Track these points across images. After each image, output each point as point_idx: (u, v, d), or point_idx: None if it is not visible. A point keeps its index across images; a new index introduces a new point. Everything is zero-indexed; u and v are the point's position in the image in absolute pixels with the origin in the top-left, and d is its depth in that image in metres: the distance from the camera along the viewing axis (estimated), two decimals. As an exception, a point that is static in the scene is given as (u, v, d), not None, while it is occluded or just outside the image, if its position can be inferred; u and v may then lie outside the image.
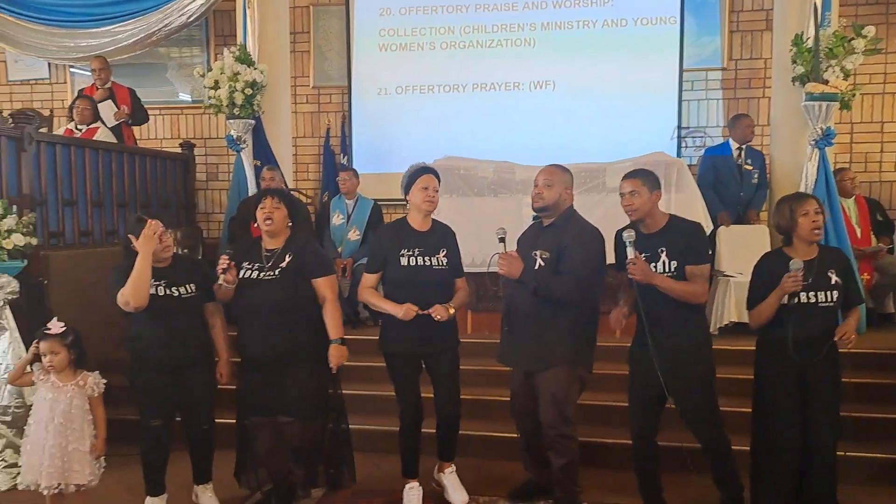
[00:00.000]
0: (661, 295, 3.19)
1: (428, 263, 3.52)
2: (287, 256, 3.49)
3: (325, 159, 7.22)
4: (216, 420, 3.73)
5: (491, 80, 7.00)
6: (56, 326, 3.32)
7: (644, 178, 3.27)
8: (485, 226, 4.49)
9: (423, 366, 3.66)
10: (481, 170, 5.41)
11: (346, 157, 7.13)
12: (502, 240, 3.36)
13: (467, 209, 4.96)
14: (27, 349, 4.19)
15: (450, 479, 3.74)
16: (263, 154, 6.38)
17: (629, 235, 3.22)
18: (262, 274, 3.47)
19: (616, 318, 3.41)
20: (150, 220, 3.46)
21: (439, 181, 3.63)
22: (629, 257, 3.19)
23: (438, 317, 3.44)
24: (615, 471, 3.97)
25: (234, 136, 6.26)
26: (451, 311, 3.50)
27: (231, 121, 6.24)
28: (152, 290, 3.40)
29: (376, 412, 4.46)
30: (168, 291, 3.47)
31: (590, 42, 6.82)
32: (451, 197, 5.14)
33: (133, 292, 3.30)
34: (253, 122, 6.30)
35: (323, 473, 3.71)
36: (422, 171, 3.60)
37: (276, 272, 3.45)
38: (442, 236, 3.63)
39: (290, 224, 3.57)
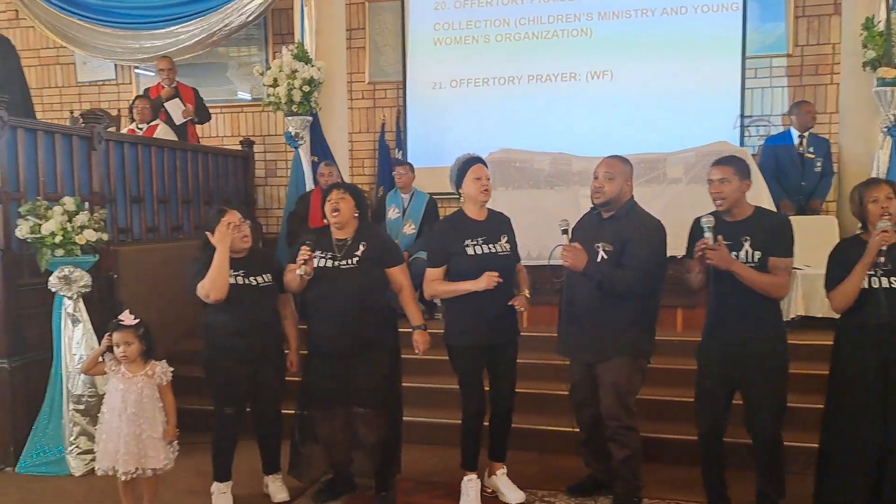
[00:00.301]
0: (737, 286, 3.09)
1: (493, 251, 3.53)
2: (361, 246, 3.53)
3: (380, 154, 7.28)
4: (283, 411, 3.81)
5: (547, 72, 6.93)
6: (128, 318, 3.43)
7: (736, 165, 3.16)
8: (541, 218, 4.49)
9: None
10: (537, 162, 5.38)
11: (401, 152, 7.17)
12: (565, 231, 3.33)
13: (524, 201, 4.93)
14: (99, 340, 4.36)
15: (502, 480, 3.72)
16: (321, 150, 6.48)
17: (708, 221, 3.12)
18: (336, 263, 3.51)
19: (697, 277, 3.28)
20: (228, 211, 3.58)
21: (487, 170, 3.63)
22: (708, 243, 3.07)
23: (522, 308, 3.49)
24: (675, 467, 3.91)
25: (293, 133, 6.37)
26: (528, 295, 3.52)
27: (289, 118, 6.35)
28: (231, 280, 3.49)
29: (431, 405, 4.48)
30: (246, 281, 3.56)
31: (649, 31, 6.68)
32: (506, 189, 5.13)
33: (212, 285, 3.41)
34: (310, 118, 6.40)
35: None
36: (471, 161, 3.60)
37: (353, 261, 3.50)
38: (499, 223, 3.64)
39: (357, 215, 3.61)
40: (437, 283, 3.58)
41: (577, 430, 3.69)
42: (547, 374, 4.55)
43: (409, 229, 5.79)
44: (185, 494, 3.83)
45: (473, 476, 3.65)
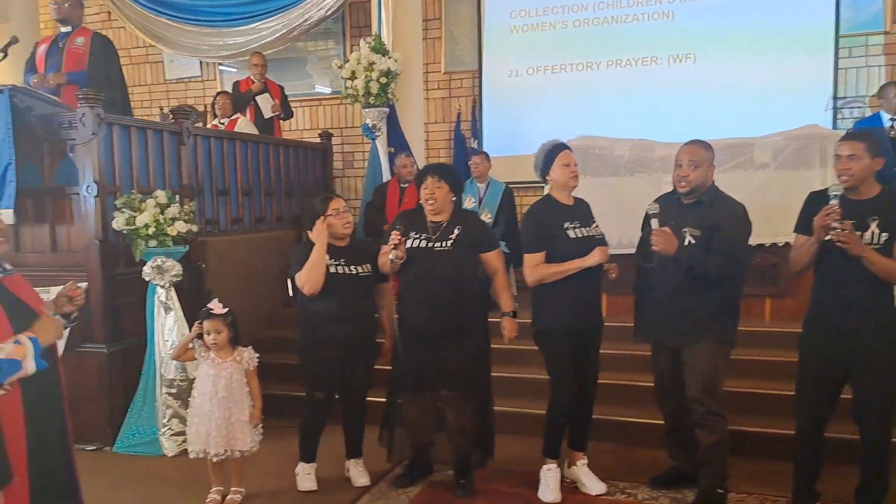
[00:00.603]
0: (854, 269, 2.91)
1: (591, 234, 3.51)
2: (455, 229, 3.55)
3: (455, 144, 7.29)
4: (368, 398, 3.89)
5: (627, 56, 6.79)
6: (218, 307, 3.58)
7: (867, 141, 3.00)
8: (622, 206, 4.40)
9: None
10: (617, 149, 5.27)
11: (476, 141, 7.16)
12: (655, 215, 3.27)
13: (604, 190, 4.84)
14: (189, 327, 4.55)
15: (583, 471, 3.68)
16: (397, 141, 6.53)
17: (836, 188, 2.94)
18: (431, 244, 3.54)
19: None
20: (334, 197, 3.68)
21: None
22: (835, 209, 2.89)
23: (613, 275, 3.46)
24: (760, 461, 3.79)
25: (370, 125, 6.44)
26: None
27: (366, 109, 6.42)
28: (332, 269, 3.58)
29: (511, 394, 4.47)
30: (346, 270, 3.63)
31: (735, 11, 6.45)
32: (585, 177, 4.98)
33: (307, 278, 3.53)
34: (387, 109, 6.45)
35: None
36: (558, 147, 3.56)
37: (448, 244, 3.52)
38: (587, 208, 3.63)
39: (454, 199, 3.63)
40: (541, 268, 3.48)
41: (658, 421, 3.62)
42: (626, 364, 4.49)
43: (486, 218, 5.76)
44: (269, 475, 3.95)
45: (553, 465, 3.62)
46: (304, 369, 3.75)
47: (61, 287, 2.45)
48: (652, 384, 3.64)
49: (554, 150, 3.54)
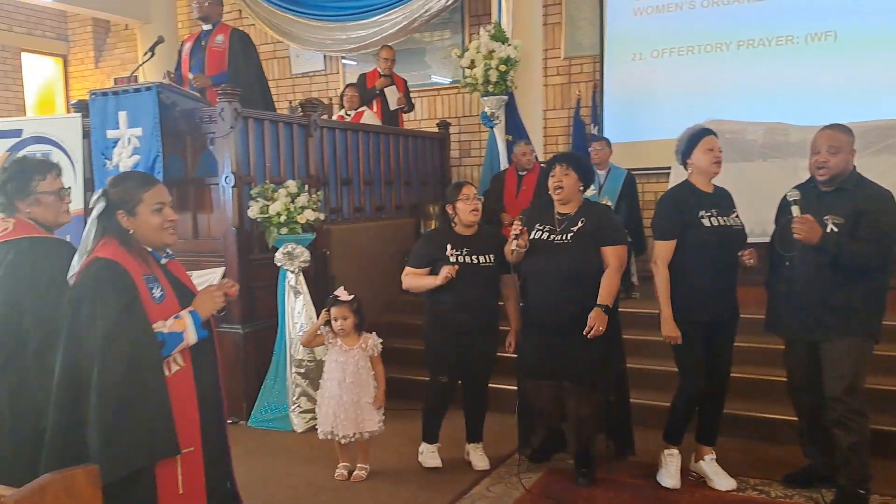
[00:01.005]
0: None
1: (728, 224, 3.40)
2: (580, 221, 3.52)
3: (575, 130, 7.20)
4: (491, 385, 3.95)
5: (759, 36, 6.45)
6: (344, 294, 3.74)
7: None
8: (755, 193, 4.20)
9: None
10: (750, 133, 5.04)
11: (596, 128, 7.03)
12: (796, 202, 3.11)
13: (735, 176, 4.60)
14: (316, 311, 4.76)
15: (711, 466, 3.56)
16: (515, 128, 6.51)
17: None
18: (553, 237, 3.53)
19: None
20: (466, 184, 3.77)
21: None
22: None
23: (751, 261, 3.34)
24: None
25: (488, 113, 6.45)
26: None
27: (485, 98, 6.44)
28: (455, 259, 3.66)
29: (641, 387, 4.39)
30: (470, 259, 3.70)
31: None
32: (714, 163, 4.85)
33: (408, 285, 3.77)
34: (506, 97, 6.44)
35: (605, 442, 3.77)
36: (702, 132, 3.45)
37: (568, 237, 3.50)
38: (727, 197, 3.50)
39: (582, 189, 3.61)
40: (663, 267, 3.41)
41: (791, 417, 3.47)
42: (756, 357, 4.31)
43: (606, 206, 5.68)
44: (390, 455, 4.08)
45: (675, 451, 3.55)
46: (428, 354, 3.85)
47: (216, 271, 2.64)
48: (785, 379, 3.48)
49: (698, 135, 3.44)
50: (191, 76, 5.50)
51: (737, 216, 3.44)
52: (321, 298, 5.11)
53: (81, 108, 5.33)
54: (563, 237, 3.50)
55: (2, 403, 2.36)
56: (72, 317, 2.10)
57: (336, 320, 3.71)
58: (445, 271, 3.59)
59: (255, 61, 5.76)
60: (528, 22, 6.58)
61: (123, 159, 4.81)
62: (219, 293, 2.30)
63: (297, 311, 4.75)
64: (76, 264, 2.19)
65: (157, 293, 2.20)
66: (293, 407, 4.66)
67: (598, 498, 3.51)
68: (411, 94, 7.37)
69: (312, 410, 4.65)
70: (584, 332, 3.35)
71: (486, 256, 3.73)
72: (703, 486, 3.54)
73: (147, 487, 2.11)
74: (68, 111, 9.33)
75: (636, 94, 6.91)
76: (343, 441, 3.74)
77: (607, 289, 3.44)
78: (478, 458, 3.93)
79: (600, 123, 7.05)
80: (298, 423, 4.63)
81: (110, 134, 4.88)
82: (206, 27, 5.65)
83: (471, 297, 3.69)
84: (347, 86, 7.03)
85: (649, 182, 6.58)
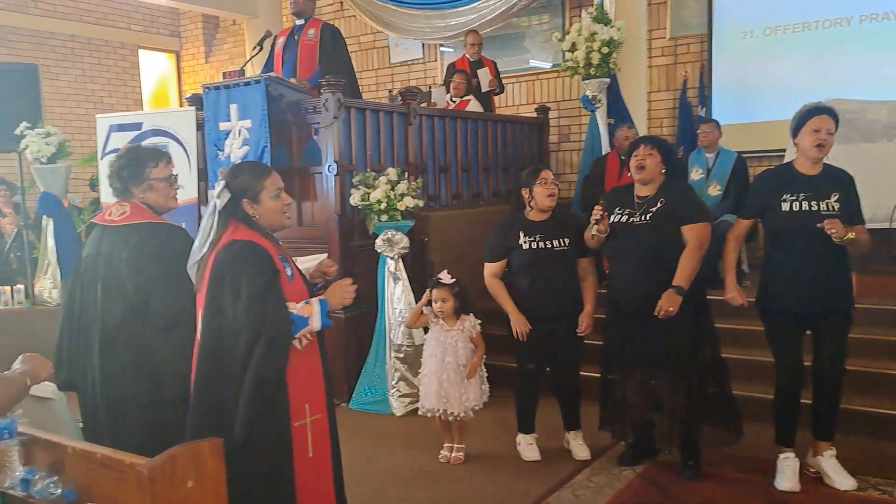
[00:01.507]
0: None
1: (815, 209, 3.20)
2: (659, 202, 3.44)
3: (680, 112, 6.94)
4: (584, 373, 3.88)
5: (884, 10, 6.00)
6: (446, 277, 3.80)
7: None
8: (878, 175, 3.94)
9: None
10: (871, 112, 4.70)
11: (704, 109, 6.76)
12: None
13: (856, 157, 4.33)
14: (415, 297, 4.82)
15: (829, 462, 3.37)
16: (618, 112, 6.35)
17: None
18: (632, 219, 3.46)
19: None
20: (544, 169, 3.76)
21: (836, 123, 3.24)
22: None
23: (833, 231, 3.06)
24: None
25: (590, 96, 6.31)
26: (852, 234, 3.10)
27: (586, 81, 6.30)
28: (525, 245, 3.64)
29: (737, 377, 4.21)
30: (544, 245, 3.67)
31: None
32: (834, 144, 4.55)
33: (490, 292, 3.77)
34: (608, 80, 6.28)
35: (709, 432, 3.64)
36: (813, 111, 3.26)
37: (647, 217, 3.42)
38: (834, 180, 3.26)
39: (664, 171, 3.51)
40: (732, 239, 3.40)
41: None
42: (878, 350, 4.07)
43: (714, 190, 5.45)
44: (487, 441, 4.09)
45: (791, 454, 3.38)
46: (513, 341, 3.82)
47: (320, 257, 2.73)
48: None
49: (808, 114, 3.26)
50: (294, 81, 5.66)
51: (836, 200, 3.20)
52: (420, 284, 5.18)
53: (195, 101, 5.59)
54: (643, 218, 3.43)
55: (126, 376, 2.51)
56: (215, 293, 2.22)
57: (436, 302, 3.79)
58: (518, 326, 3.69)
59: (345, 54, 5.86)
60: (632, 2, 6.37)
61: (234, 150, 5.01)
62: (351, 288, 2.40)
63: (397, 296, 4.82)
64: (197, 252, 2.30)
65: (288, 272, 2.33)
66: (392, 391, 4.74)
67: (703, 491, 3.40)
68: (508, 79, 7.31)
69: (411, 395, 4.74)
70: (654, 313, 3.28)
71: (561, 240, 3.68)
72: (820, 484, 3.37)
73: (285, 449, 2.26)
74: (181, 105, 9.85)
75: (747, 73, 6.58)
76: (443, 417, 3.81)
77: (683, 269, 3.33)
78: (578, 446, 3.89)
79: (708, 105, 6.77)
80: (397, 407, 4.71)
81: (222, 126, 5.09)
82: (299, 22, 5.78)
83: (547, 282, 3.66)
84: (456, 72, 7.00)
85: (761, 165, 6.26)
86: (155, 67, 10.74)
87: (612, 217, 3.50)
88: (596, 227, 3.44)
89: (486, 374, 3.89)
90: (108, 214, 2.67)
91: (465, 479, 3.67)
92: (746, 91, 6.57)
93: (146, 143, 5.45)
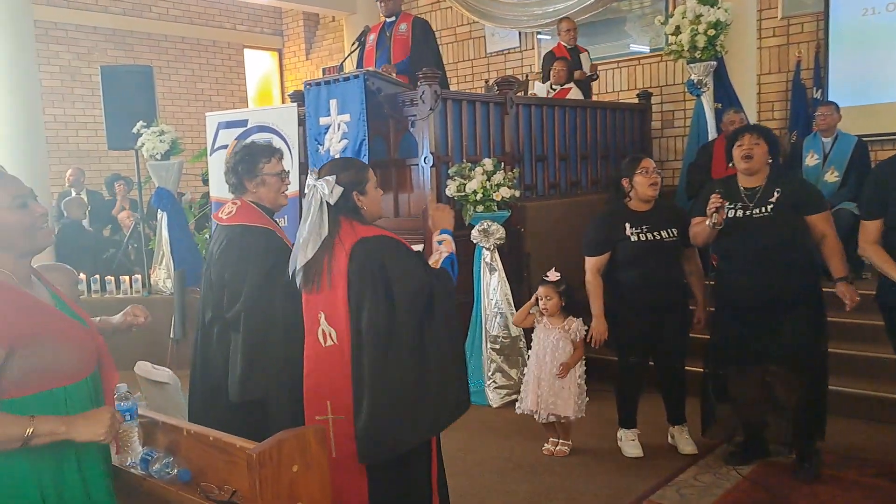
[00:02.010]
0: None
1: None
2: (775, 192, 3.27)
3: (793, 95, 6.54)
4: (689, 368, 3.75)
5: None
6: (553, 275, 3.77)
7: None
8: None
9: None
10: None
11: (819, 91, 6.35)
12: None
13: None
14: (511, 288, 4.78)
15: None
16: (725, 96, 6.08)
17: None
18: (748, 212, 3.30)
19: None
20: (644, 158, 3.65)
21: None
22: None
23: None
24: None
25: (695, 80, 6.07)
26: None
27: (691, 65, 6.06)
28: (633, 238, 3.54)
29: (856, 375, 3.96)
30: (650, 236, 3.56)
31: None
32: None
33: (587, 282, 3.66)
34: (714, 63, 6.02)
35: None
36: None
37: (767, 209, 3.26)
38: None
39: (770, 161, 3.35)
40: (869, 246, 3.09)
41: None
42: None
43: (832, 177, 5.13)
44: (590, 436, 4.00)
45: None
46: (614, 334, 3.72)
47: (419, 247, 2.77)
48: None
49: None
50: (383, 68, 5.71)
51: None
52: (516, 275, 5.14)
53: (297, 97, 5.74)
54: (762, 210, 3.26)
55: (215, 373, 2.59)
56: (372, 288, 2.21)
57: (541, 299, 3.77)
58: (597, 333, 3.64)
59: (434, 47, 5.87)
60: (742, -19, 6.07)
61: (333, 144, 5.11)
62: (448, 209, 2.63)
63: (493, 287, 4.79)
64: (307, 253, 2.27)
65: None
66: (489, 382, 4.72)
67: (820, 495, 3.21)
68: (608, 64, 7.13)
69: (508, 386, 4.71)
70: (848, 308, 3.18)
71: (669, 231, 3.57)
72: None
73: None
74: (283, 101, 10.17)
75: (869, 52, 6.10)
76: (542, 421, 3.76)
77: (838, 259, 3.22)
78: (683, 441, 3.76)
79: (824, 87, 6.35)
80: (494, 399, 4.69)
81: (322, 121, 5.20)
82: (390, 19, 5.82)
83: (655, 273, 3.55)
84: (557, 59, 6.87)
85: (883, 150, 5.85)
86: (259, 65, 11.14)
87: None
88: (714, 216, 3.26)
89: (583, 382, 3.79)
90: (221, 212, 2.77)
91: (563, 474, 3.61)
92: (867, 71, 6.10)
93: (252, 138, 5.69)
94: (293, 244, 2.42)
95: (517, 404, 3.85)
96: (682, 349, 3.73)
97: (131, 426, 1.83)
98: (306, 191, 2.35)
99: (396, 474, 2.29)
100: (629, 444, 3.77)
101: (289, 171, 2.85)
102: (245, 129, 5.78)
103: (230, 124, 5.83)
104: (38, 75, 6.88)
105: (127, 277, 5.94)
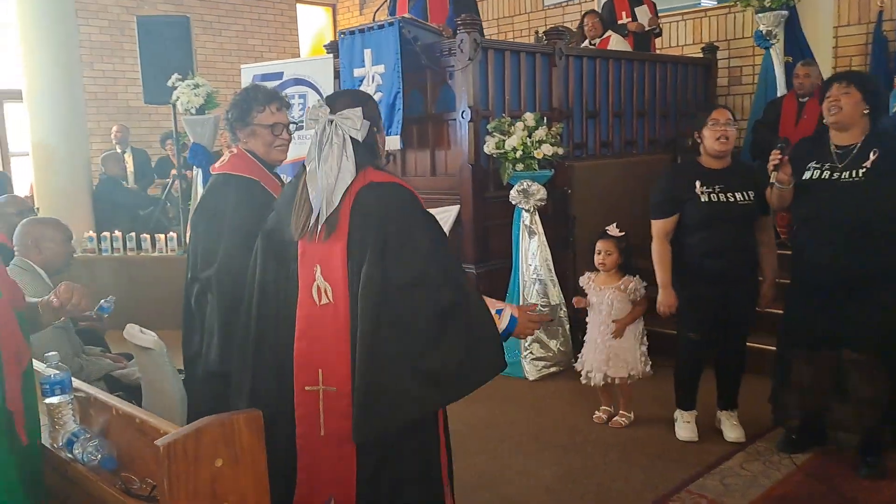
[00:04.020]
0: None
1: None
2: (871, 154, 2.84)
3: (875, 49, 5.92)
4: (749, 344, 3.44)
5: None
6: (614, 230, 3.62)
7: None
8: None
9: None
10: None
11: (904, 44, 5.74)
12: None
13: None
14: (551, 253, 4.48)
15: None
16: (796, 48, 5.57)
17: None
18: (836, 174, 2.89)
19: None
20: (718, 108, 3.29)
21: None
22: None
23: None
24: None
25: (763, 32, 5.57)
26: None
27: (760, 15, 5.56)
28: (704, 198, 3.18)
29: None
30: (724, 197, 3.18)
31: None
32: None
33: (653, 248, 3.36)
34: (786, 13, 5.52)
35: None
36: None
37: (859, 173, 2.85)
38: None
39: (867, 112, 2.90)
40: None
41: None
42: None
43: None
44: (642, 417, 3.70)
45: None
46: (677, 306, 3.37)
47: (452, 210, 2.46)
48: None
49: None
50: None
51: None
52: (560, 239, 4.81)
53: (333, 48, 5.47)
54: (852, 174, 2.84)
55: (194, 336, 2.38)
56: (404, 236, 1.89)
57: (598, 254, 3.62)
58: (664, 306, 3.33)
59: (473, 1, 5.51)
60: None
61: (367, 97, 4.84)
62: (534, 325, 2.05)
63: (532, 251, 4.48)
64: (337, 197, 1.90)
65: None
66: (525, 353, 4.45)
67: (885, 492, 2.87)
68: (672, 17, 6.62)
69: (546, 358, 4.45)
70: None
71: (745, 193, 3.17)
72: None
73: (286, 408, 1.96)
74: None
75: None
76: (601, 384, 3.60)
77: None
78: (730, 427, 3.43)
79: (909, 39, 5.74)
80: (530, 371, 4.42)
81: (357, 72, 4.94)
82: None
83: (726, 240, 3.18)
84: (586, 14, 6.48)
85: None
86: (312, 21, 10.89)
87: (806, 174, 2.96)
88: (774, 174, 2.92)
89: (643, 342, 3.62)
90: (219, 161, 2.54)
91: (595, 457, 3.32)
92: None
93: (287, 91, 5.47)
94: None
95: (581, 369, 3.68)
96: (747, 326, 3.38)
97: (63, 401, 1.62)
98: (315, 127, 1.96)
99: (393, 456, 2.00)
100: (684, 426, 3.46)
101: (287, 126, 2.54)
102: (280, 81, 5.57)
103: (266, 77, 5.62)
104: (77, 30, 6.78)
105: (162, 236, 5.85)
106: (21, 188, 7.50)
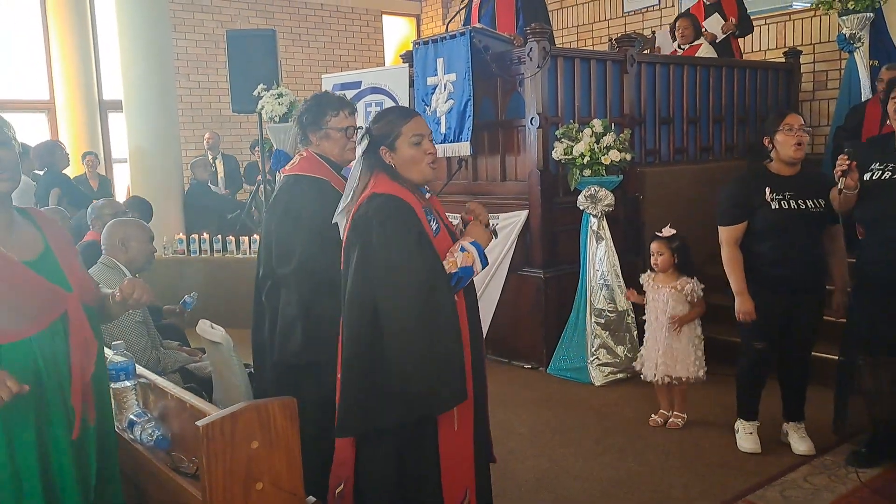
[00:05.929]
0: None
1: None
2: None
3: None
4: (815, 353, 3.39)
5: None
6: (667, 231, 3.66)
7: None
8: None
9: None
10: None
11: None
12: None
13: None
14: (620, 260, 4.49)
15: None
16: (883, 51, 5.36)
17: None
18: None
19: None
20: (790, 113, 3.25)
21: None
22: None
23: None
24: None
25: (846, 34, 5.39)
26: None
27: (843, 17, 5.38)
28: (775, 205, 3.14)
29: None
30: (795, 205, 3.13)
31: None
32: None
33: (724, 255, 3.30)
34: (871, 14, 5.32)
35: None
36: None
37: None
38: None
39: None
40: None
41: None
42: None
43: None
44: (703, 425, 3.68)
45: None
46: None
47: (524, 213, 2.55)
48: None
49: None
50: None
51: None
52: (630, 245, 4.81)
53: (409, 58, 5.64)
54: None
55: (264, 329, 2.55)
56: (353, 250, 2.11)
57: (652, 255, 3.68)
58: (743, 313, 3.24)
59: (543, 5, 5.54)
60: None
61: (440, 104, 4.98)
62: (488, 230, 2.23)
63: (599, 257, 4.51)
64: (343, 201, 2.20)
65: (433, 226, 2.17)
66: (591, 359, 4.46)
67: (958, 512, 2.75)
68: (757, 20, 6.45)
69: (613, 364, 4.45)
70: None
71: (816, 201, 3.11)
72: None
73: (431, 423, 2.12)
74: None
75: None
76: (659, 383, 3.64)
77: None
78: (798, 439, 3.35)
79: None
80: (596, 376, 4.43)
81: (430, 81, 5.08)
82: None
83: (795, 248, 3.12)
84: (679, 17, 6.39)
85: None
86: (397, 32, 11.17)
87: (870, 174, 2.91)
88: (842, 180, 2.86)
89: (700, 343, 3.64)
90: (289, 164, 2.72)
91: (655, 464, 3.32)
92: None
93: (365, 100, 5.69)
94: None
95: (642, 371, 3.72)
96: (814, 336, 3.31)
97: (126, 387, 1.80)
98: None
99: (387, 449, 2.12)
100: (747, 437, 3.39)
101: (360, 128, 2.71)
102: (359, 90, 5.78)
103: (345, 86, 5.84)
104: (171, 44, 7.22)
105: (246, 238, 6.16)
106: (121, 192, 8.04)
